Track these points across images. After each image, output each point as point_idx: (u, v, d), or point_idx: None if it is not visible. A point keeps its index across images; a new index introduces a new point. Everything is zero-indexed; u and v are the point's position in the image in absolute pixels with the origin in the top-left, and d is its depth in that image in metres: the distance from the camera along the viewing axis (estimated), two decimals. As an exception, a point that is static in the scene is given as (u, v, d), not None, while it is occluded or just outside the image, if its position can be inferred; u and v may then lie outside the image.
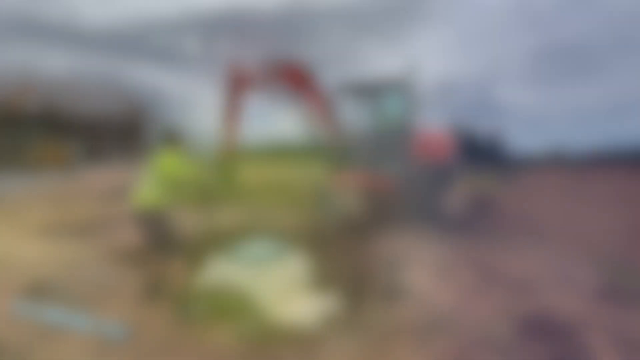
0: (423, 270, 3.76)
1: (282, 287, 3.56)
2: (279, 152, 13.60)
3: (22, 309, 2.69)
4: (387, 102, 6.26)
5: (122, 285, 3.29)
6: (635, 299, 3.15)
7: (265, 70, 8.42)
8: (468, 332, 2.46)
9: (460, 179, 5.86)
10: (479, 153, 5.84)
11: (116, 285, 3.27)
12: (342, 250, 4.77)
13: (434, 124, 6.34)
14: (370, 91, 6.08)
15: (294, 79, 7.78)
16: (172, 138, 3.35)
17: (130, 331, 2.44)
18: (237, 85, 9.14)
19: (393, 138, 5.77)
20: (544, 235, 5.30)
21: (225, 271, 3.60)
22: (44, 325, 2.51)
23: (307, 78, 7.64)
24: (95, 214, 6.64)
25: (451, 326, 2.52)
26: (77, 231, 5.47)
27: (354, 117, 7.41)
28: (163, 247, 3.16)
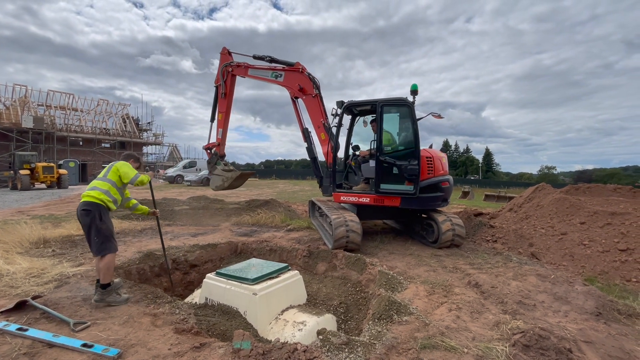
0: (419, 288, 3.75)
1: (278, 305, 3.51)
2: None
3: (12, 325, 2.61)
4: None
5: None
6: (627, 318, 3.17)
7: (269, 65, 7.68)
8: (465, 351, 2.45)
9: None
10: None
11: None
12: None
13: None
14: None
15: (299, 80, 7.26)
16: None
17: (123, 350, 2.38)
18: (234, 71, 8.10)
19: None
20: (539, 253, 5.34)
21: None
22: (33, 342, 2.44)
23: (310, 80, 7.17)
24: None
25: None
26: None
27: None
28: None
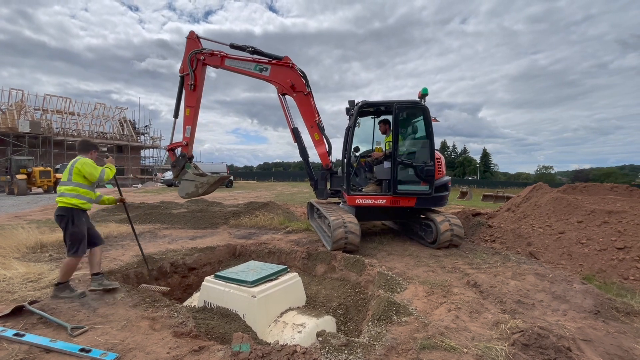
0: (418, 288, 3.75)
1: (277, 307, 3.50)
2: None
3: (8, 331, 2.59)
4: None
5: (115, 305, 3.19)
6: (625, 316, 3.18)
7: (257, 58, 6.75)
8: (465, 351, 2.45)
9: None
10: None
11: (109, 307, 3.18)
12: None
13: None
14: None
15: (290, 76, 6.49)
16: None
17: (121, 354, 2.37)
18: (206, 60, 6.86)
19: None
20: (537, 253, 5.35)
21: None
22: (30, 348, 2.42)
23: (301, 76, 6.54)
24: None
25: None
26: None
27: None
28: None
